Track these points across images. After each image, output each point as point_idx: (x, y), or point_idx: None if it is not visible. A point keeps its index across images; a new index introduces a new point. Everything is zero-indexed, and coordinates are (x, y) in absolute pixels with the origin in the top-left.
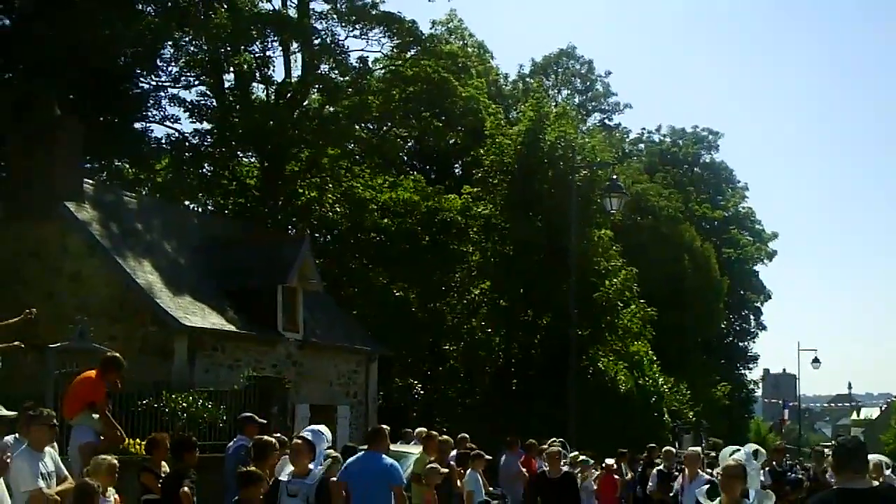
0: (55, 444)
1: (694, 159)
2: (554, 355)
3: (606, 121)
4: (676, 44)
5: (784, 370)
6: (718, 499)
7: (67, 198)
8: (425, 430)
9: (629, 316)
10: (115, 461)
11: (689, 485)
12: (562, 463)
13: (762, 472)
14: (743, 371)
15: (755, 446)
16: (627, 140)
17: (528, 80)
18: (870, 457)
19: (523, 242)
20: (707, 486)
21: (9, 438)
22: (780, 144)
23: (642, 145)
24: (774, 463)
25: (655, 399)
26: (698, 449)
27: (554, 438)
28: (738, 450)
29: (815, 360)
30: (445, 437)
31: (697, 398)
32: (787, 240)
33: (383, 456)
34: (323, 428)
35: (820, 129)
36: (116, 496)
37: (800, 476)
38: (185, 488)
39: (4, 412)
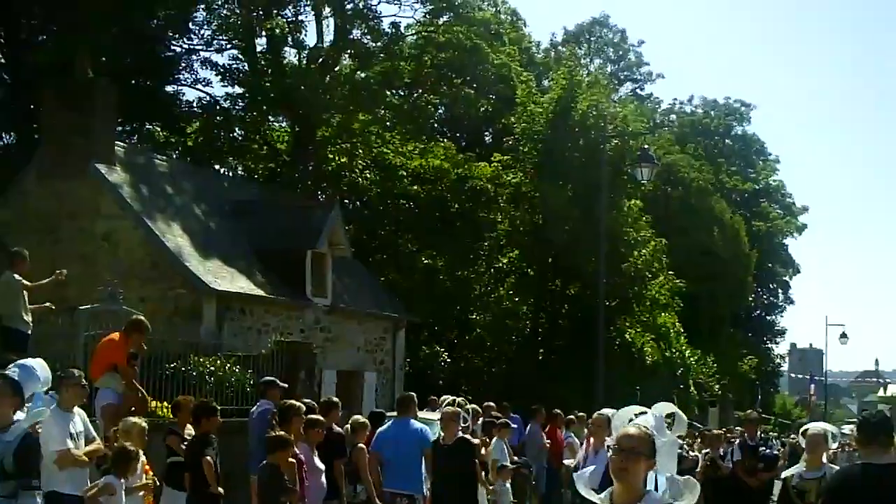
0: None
1: (725, 131)
2: (581, 326)
3: (638, 90)
4: (710, 14)
5: (811, 345)
6: (609, 490)
7: (100, 159)
8: (451, 397)
9: (657, 287)
10: (145, 424)
11: (593, 456)
12: (459, 427)
13: (733, 446)
14: (770, 345)
15: (671, 408)
16: (659, 110)
17: (560, 48)
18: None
19: (553, 211)
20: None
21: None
22: (812, 118)
23: (674, 116)
24: (746, 436)
25: (682, 371)
26: (608, 412)
27: (450, 397)
28: (644, 412)
29: (843, 336)
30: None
31: (724, 371)
32: (817, 214)
33: (413, 421)
34: (37, 363)
35: (853, 103)
36: (144, 459)
37: (776, 452)
38: (208, 457)
39: None
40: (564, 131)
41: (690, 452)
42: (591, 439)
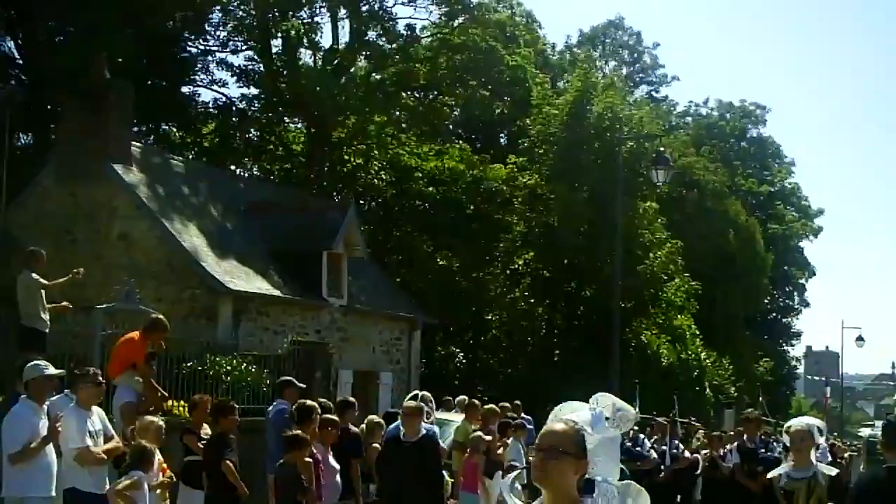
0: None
1: (741, 133)
2: (597, 327)
3: (654, 93)
4: (725, 16)
5: (827, 348)
6: (539, 500)
7: (116, 160)
8: (466, 398)
9: (673, 289)
10: (162, 423)
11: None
12: (422, 422)
13: (732, 450)
14: (785, 347)
15: (614, 401)
16: (674, 113)
17: (575, 50)
18: (803, 420)
19: (568, 213)
20: (517, 473)
21: (58, 397)
22: (828, 120)
23: (689, 118)
24: (746, 437)
25: (697, 373)
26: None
27: (417, 391)
28: (585, 406)
29: (859, 339)
30: (491, 405)
31: (739, 373)
32: (833, 216)
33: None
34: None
35: (869, 106)
36: (160, 457)
37: (777, 455)
38: (228, 461)
39: (53, 370)
40: (580, 133)
41: (687, 452)
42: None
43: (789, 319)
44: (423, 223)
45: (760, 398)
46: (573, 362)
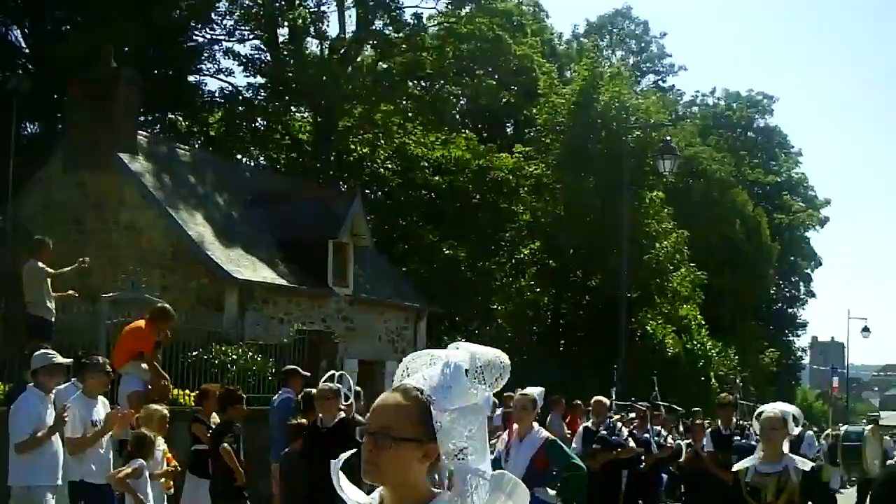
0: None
1: (748, 123)
2: (602, 317)
3: (661, 82)
4: (732, 6)
5: (833, 338)
6: (378, 491)
7: (123, 149)
8: (334, 372)
9: (679, 279)
10: (167, 412)
11: (517, 446)
12: (339, 406)
13: (707, 435)
14: (791, 338)
15: (473, 351)
16: (681, 102)
17: (582, 39)
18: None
19: (574, 203)
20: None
21: (65, 385)
22: (835, 110)
23: (696, 108)
24: (721, 423)
25: (703, 363)
26: (534, 391)
27: (333, 371)
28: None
29: (865, 329)
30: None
31: (745, 364)
32: (839, 207)
33: None
34: None
35: (876, 96)
36: (165, 446)
37: (753, 443)
38: (226, 445)
39: (60, 359)
40: (586, 123)
41: (670, 440)
42: (515, 425)
43: (795, 310)
44: (429, 212)
45: (738, 381)
46: (579, 352)
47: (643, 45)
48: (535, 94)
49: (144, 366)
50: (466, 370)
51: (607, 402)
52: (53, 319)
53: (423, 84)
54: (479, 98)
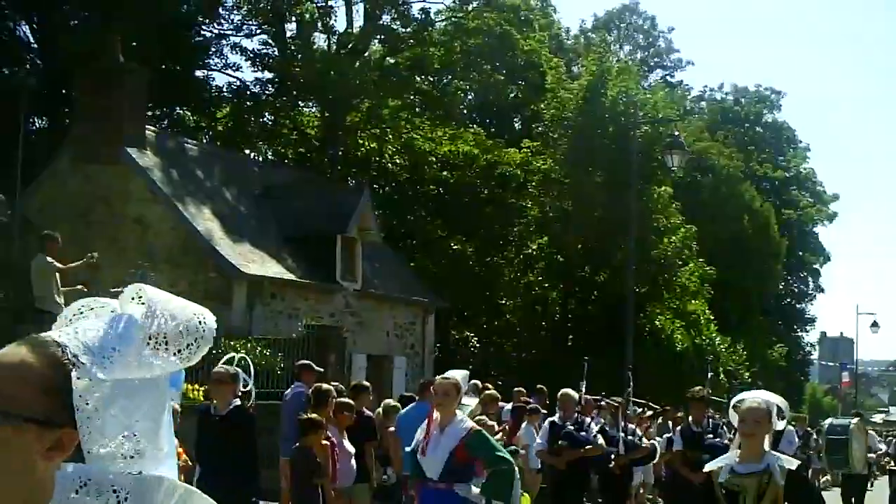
0: None
1: (756, 118)
2: (611, 312)
3: (668, 77)
4: (740, 1)
5: (842, 333)
6: None
7: (131, 144)
8: (479, 382)
9: (687, 274)
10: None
11: (437, 435)
12: (235, 392)
13: (675, 433)
14: (800, 333)
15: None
16: (689, 97)
17: (590, 34)
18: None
19: (582, 198)
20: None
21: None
22: (843, 105)
23: (704, 103)
24: (692, 420)
25: (711, 358)
26: (457, 375)
27: (233, 353)
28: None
29: (874, 325)
30: (492, 391)
31: (753, 359)
32: (848, 202)
33: (429, 405)
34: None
35: (885, 91)
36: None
37: (726, 441)
38: None
39: None
40: (594, 118)
41: (645, 440)
42: (436, 413)
43: (804, 305)
44: (437, 207)
45: (710, 373)
46: (587, 347)
47: (651, 39)
48: (542, 90)
49: None
50: (147, 329)
51: (576, 395)
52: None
53: (431, 79)
54: (487, 93)
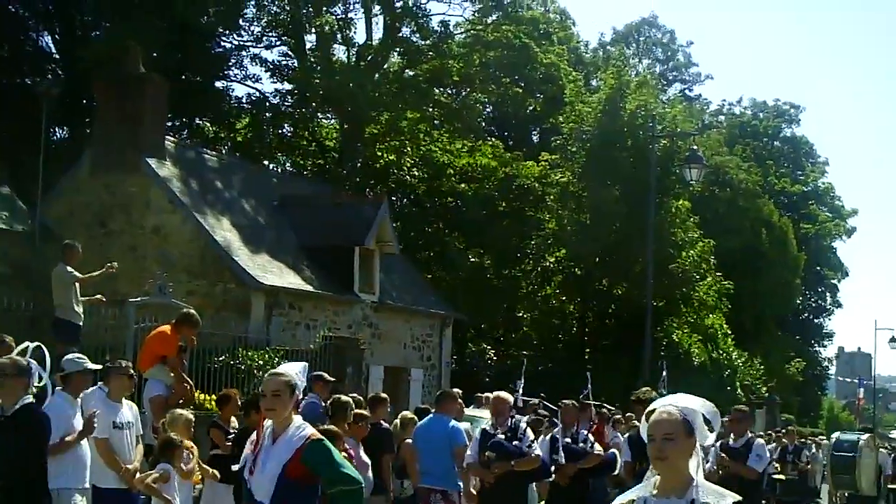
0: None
1: (774, 133)
2: (628, 325)
3: (687, 91)
4: (758, 15)
5: (859, 349)
6: None
7: (150, 154)
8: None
9: (705, 288)
10: (192, 416)
11: (268, 446)
12: (27, 389)
13: (622, 439)
14: (817, 348)
15: None
16: (708, 111)
17: (609, 48)
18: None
19: (600, 211)
20: None
21: (92, 389)
22: (862, 120)
23: (722, 117)
24: (641, 426)
25: (729, 373)
26: (291, 369)
27: (27, 343)
28: None
29: (893, 340)
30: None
31: (771, 373)
32: (866, 217)
33: (446, 418)
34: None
35: None
36: (197, 453)
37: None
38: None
39: (91, 365)
40: (613, 131)
41: (598, 447)
42: (266, 421)
43: (821, 320)
44: (455, 220)
45: (664, 373)
46: (604, 360)
47: (669, 53)
48: (561, 102)
49: (169, 370)
50: None
51: (510, 398)
52: (81, 323)
53: (450, 91)
54: (506, 106)
